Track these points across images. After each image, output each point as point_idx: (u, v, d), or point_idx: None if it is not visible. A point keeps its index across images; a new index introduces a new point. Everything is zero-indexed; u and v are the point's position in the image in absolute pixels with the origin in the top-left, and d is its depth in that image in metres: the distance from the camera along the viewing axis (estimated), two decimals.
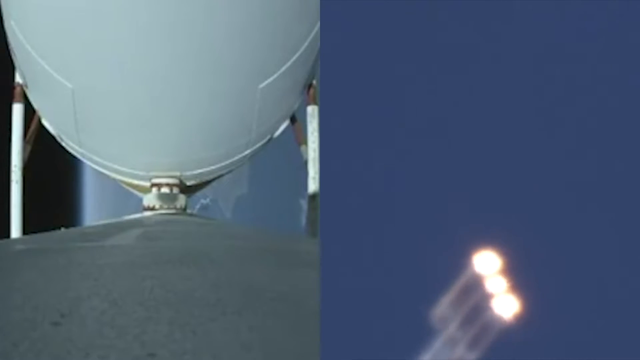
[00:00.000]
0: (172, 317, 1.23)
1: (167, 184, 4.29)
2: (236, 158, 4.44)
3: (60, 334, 1.10)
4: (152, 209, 4.53)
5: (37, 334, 1.10)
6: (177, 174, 4.22)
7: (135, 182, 4.68)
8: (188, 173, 4.31)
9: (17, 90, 4.46)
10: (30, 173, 4.78)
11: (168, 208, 4.56)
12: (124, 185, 5.68)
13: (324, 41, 2.01)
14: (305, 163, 4.85)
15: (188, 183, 4.59)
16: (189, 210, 5.18)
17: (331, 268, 1.86)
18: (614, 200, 1.86)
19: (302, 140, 4.87)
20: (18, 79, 4.42)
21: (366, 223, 1.96)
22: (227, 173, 5.04)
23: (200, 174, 4.45)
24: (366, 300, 1.89)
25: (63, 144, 4.57)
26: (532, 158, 1.92)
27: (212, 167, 4.42)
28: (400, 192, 1.99)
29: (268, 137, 4.53)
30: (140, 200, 4.93)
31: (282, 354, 1.07)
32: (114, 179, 5.14)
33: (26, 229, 4.62)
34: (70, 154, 4.75)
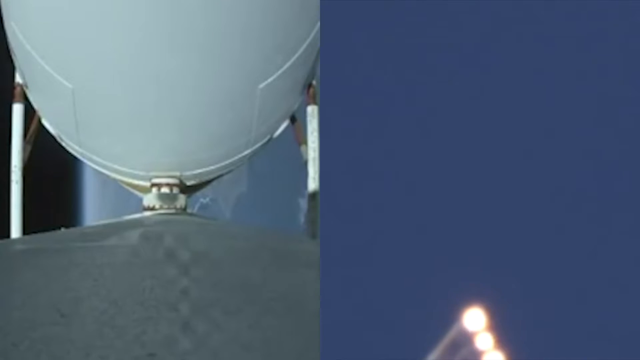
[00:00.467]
0: (172, 317, 1.23)
1: (167, 184, 4.28)
2: (236, 158, 4.43)
3: (60, 334, 1.10)
4: (152, 209, 4.52)
5: (37, 334, 1.10)
6: (177, 174, 4.21)
7: (135, 182, 4.67)
8: (188, 173, 4.30)
9: (17, 90, 4.45)
10: (30, 173, 4.78)
11: (168, 208, 4.55)
12: (124, 185, 5.68)
13: (324, 41, 2.01)
14: (305, 163, 4.84)
15: (188, 183, 4.58)
16: (188, 210, 5.17)
17: (331, 268, 1.86)
18: (600, 255, 1.86)
19: (302, 140, 4.87)
20: (18, 79, 4.42)
21: (366, 223, 1.96)
22: (227, 173, 5.03)
23: (200, 174, 4.44)
24: (366, 300, 1.89)
25: (63, 144, 4.57)
26: (520, 214, 1.91)
27: (212, 167, 4.41)
28: (399, 192, 1.99)
29: (268, 137, 4.52)
30: (140, 200, 4.93)
31: (282, 354, 1.07)
32: (114, 179, 5.14)
33: (26, 229, 4.61)
34: (70, 154, 4.75)
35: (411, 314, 1.89)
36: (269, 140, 4.59)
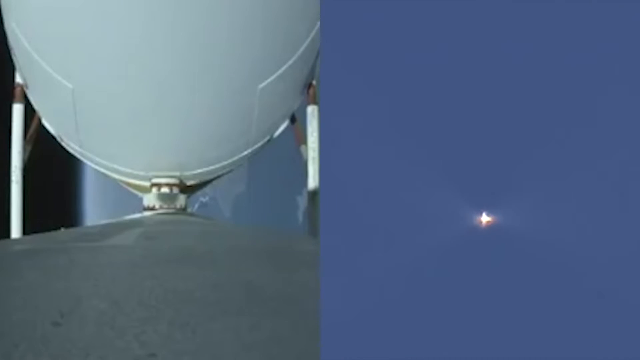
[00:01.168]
0: (172, 317, 1.23)
1: (167, 184, 4.28)
2: (236, 158, 4.43)
3: (60, 334, 1.10)
4: (152, 208, 4.53)
5: (37, 334, 1.10)
6: (177, 174, 4.21)
7: (136, 182, 4.66)
8: (188, 173, 4.30)
9: (18, 90, 4.46)
10: (31, 173, 4.78)
11: (168, 208, 4.56)
12: (125, 186, 5.69)
13: (324, 41, 2.01)
14: (305, 163, 4.85)
15: (188, 183, 4.57)
16: (188, 210, 5.17)
17: (331, 268, 1.86)
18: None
19: (302, 140, 4.86)
20: (18, 79, 4.42)
21: (366, 223, 1.96)
22: (227, 173, 5.03)
23: (201, 173, 4.43)
24: (366, 300, 1.89)
25: (63, 144, 4.56)
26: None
27: (212, 167, 4.40)
28: (398, 192, 1.99)
29: (268, 137, 4.51)
30: (141, 200, 4.94)
31: (282, 354, 1.07)
32: (114, 179, 5.15)
33: (26, 229, 4.62)
34: (70, 154, 4.75)
35: (409, 315, 1.89)
36: (268, 140, 4.58)
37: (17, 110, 4.58)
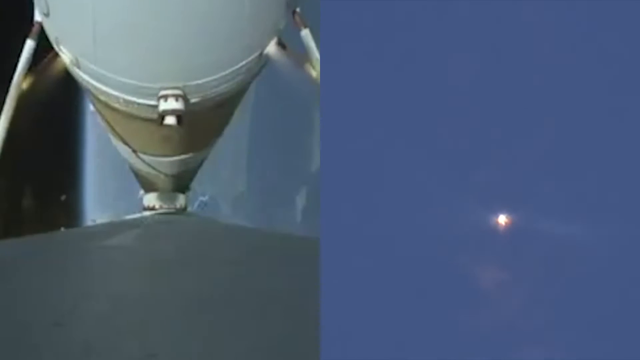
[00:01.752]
0: (172, 317, 1.23)
1: (173, 95, 4.31)
2: (235, 68, 4.46)
3: (60, 334, 1.11)
4: (152, 208, 4.53)
5: (37, 334, 1.11)
6: (181, 84, 4.24)
7: (142, 101, 4.68)
8: (191, 83, 4.34)
9: (35, 27, 4.49)
10: (30, 173, 4.78)
11: (168, 208, 4.56)
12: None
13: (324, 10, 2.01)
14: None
15: (192, 100, 4.59)
16: (188, 209, 5.17)
17: (331, 268, 1.86)
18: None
19: (301, 62, 4.85)
20: (37, 17, 4.46)
21: (366, 223, 1.96)
22: (228, 96, 5.02)
23: (202, 86, 4.46)
24: (366, 300, 1.89)
25: (75, 74, 4.56)
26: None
27: (212, 77, 4.42)
28: (400, 191, 1.99)
29: (259, 51, 4.54)
30: (141, 200, 4.94)
31: (282, 354, 1.07)
32: (122, 112, 5.14)
33: (26, 229, 4.61)
34: (68, 155, 4.73)
35: (409, 315, 1.89)
36: (260, 54, 4.60)
37: (29, 46, 4.60)
